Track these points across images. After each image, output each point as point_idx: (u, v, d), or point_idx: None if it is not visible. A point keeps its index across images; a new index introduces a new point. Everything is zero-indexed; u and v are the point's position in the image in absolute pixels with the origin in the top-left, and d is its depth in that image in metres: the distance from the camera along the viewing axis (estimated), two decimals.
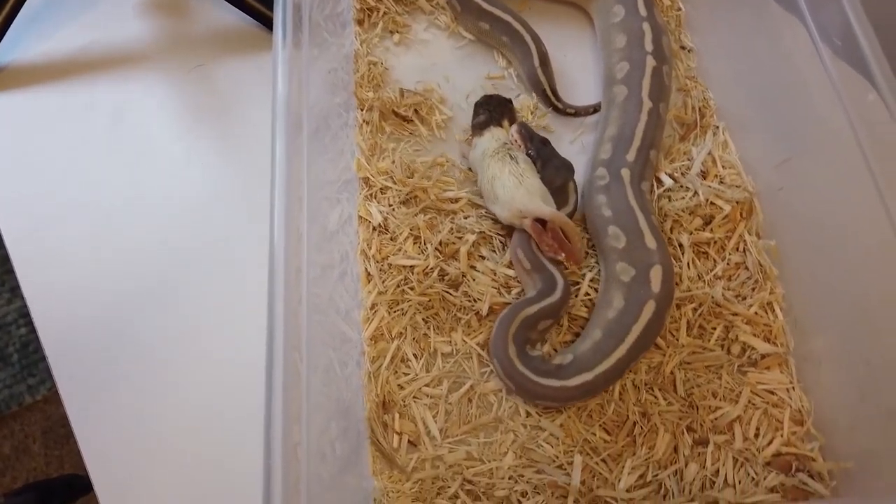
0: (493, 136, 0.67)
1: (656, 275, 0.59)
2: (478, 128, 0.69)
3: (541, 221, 0.62)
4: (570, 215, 0.67)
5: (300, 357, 0.47)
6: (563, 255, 0.62)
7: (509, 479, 0.57)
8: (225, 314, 0.65)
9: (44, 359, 1.40)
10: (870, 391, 0.55)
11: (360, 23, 0.80)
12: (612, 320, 0.59)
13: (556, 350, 0.62)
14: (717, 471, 0.57)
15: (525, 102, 0.75)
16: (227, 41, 0.81)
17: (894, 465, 0.52)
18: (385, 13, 0.80)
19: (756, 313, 0.63)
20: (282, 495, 0.42)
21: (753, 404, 0.60)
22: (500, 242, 0.67)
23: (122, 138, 0.75)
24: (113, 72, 0.79)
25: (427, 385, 0.61)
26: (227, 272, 0.68)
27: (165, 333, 0.65)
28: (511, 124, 0.70)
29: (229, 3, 0.80)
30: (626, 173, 0.64)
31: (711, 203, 0.66)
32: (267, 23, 0.80)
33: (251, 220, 0.70)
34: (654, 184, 0.67)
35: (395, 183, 0.68)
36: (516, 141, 0.67)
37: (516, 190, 0.62)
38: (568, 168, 0.67)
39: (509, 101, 0.71)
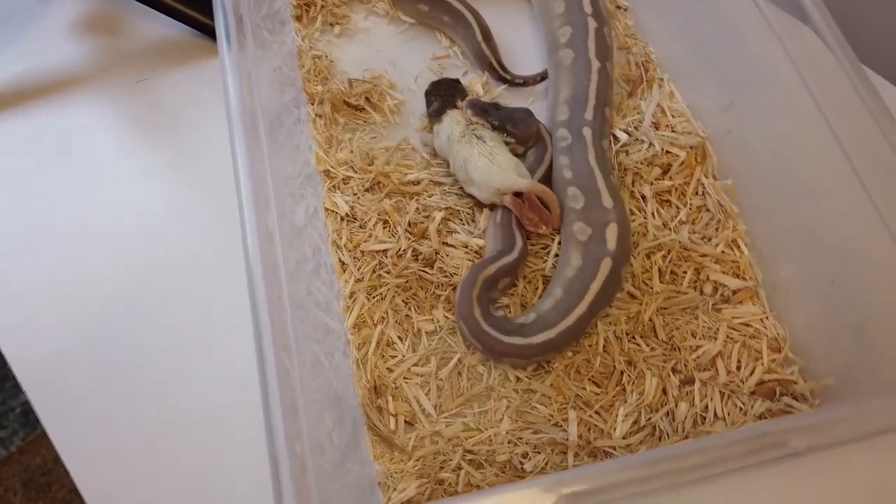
0: (453, 119, 0.68)
1: (612, 233, 0.61)
2: (434, 115, 0.70)
3: (518, 194, 0.63)
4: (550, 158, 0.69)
5: (290, 354, 0.47)
6: (544, 227, 0.63)
7: (508, 443, 0.58)
8: (203, 323, 0.65)
9: (12, 409, 1.37)
10: (839, 308, 0.58)
11: (298, 19, 0.80)
12: (571, 279, 0.61)
13: (524, 308, 0.63)
14: (706, 406, 0.59)
15: (473, 80, 0.75)
16: (165, 53, 0.80)
17: (870, 375, 0.54)
18: (322, 6, 0.80)
19: (722, 252, 0.65)
20: (294, 495, 0.42)
21: (731, 338, 0.62)
22: (468, 215, 0.67)
23: (72, 163, 0.74)
24: (53, 97, 0.78)
25: (415, 365, 0.61)
26: (199, 281, 0.67)
27: (145, 352, 0.64)
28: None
29: (163, 13, 0.79)
30: (587, 132, 0.65)
31: (667, 152, 0.68)
32: (204, 30, 0.80)
33: (217, 227, 0.69)
34: (612, 140, 0.69)
35: (356, 172, 0.69)
36: (475, 119, 0.68)
37: (489, 169, 0.63)
38: (529, 113, 0.69)
39: (457, 81, 0.72)
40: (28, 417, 1.37)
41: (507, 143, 0.68)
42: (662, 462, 0.41)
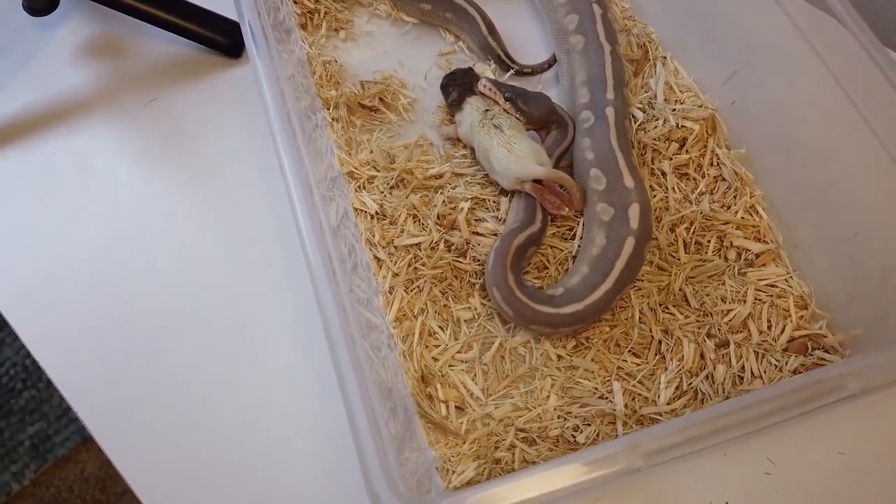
0: (473, 107, 0.70)
1: (634, 212, 0.63)
2: (455, 105, 0.72)
3: (539, 181, 0.65)
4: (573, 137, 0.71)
5: (356, 349, 0.48)
6: (567, 209, 0.65)
7: (558, 418, 0.59)
8: (240, 334, 0.66)
9: (21, 443, 1.36)
10: (861, 260, 0.60)
11: (303, 27, 0.81)
12: (596, 257, 0.63)
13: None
14: (743, 367, 0.61)
15: (482, 71, 0.77)
16: (173, 71, 0.81)
17: None
18: (326, 13, 0.82)
19: (742, 218, 0.67)
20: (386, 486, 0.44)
21: (759, 300, 0.64)
22: (493, 203, 0.69)
23: (90, 189, 0.74)
24: (65, 124, 0.78)
25: (459, 352, 0.63)
26: (230, 292, 0.68)
27: (186, 365, 0.64)
28: None
29: (167, 31, 0.80)
30: (610, 112, 0.67)
31: (681, 126, 0.70)
32: (209, 44, 0.81)
33: (244, 237, 0.70)
34: (631, 120, 0.71)
35: (379, 171, 0.70)
36: (490, 92, 0.69)
37: (509, 159, 0.65)
38: (544, 96, 0.71)
39: (470, 69, 0.74)
40: (38, 449, 1.37)
41: (518, 119, 0.70)
42: (728, 415, 0.43)
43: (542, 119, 0.71)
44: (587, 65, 0.71)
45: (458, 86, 0.72)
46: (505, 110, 0.70)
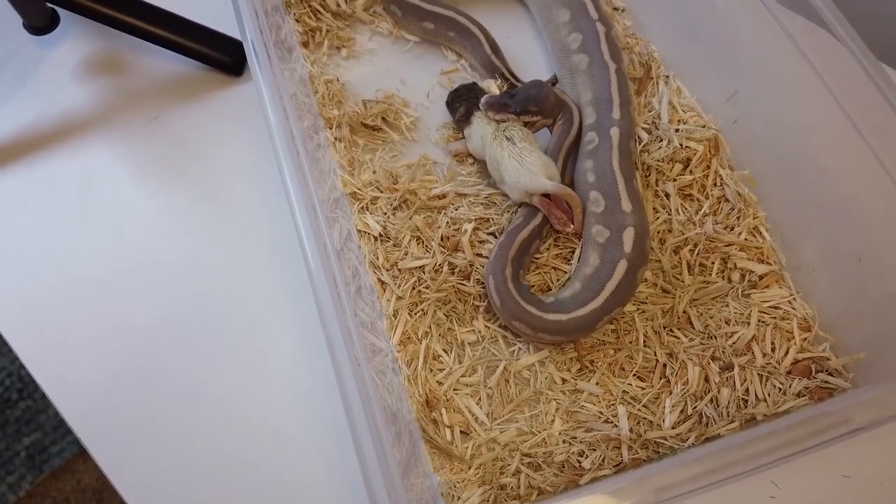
0: (482, 120, 0.70)
1: (629, 236, 0.63)
2: (463, 121, 0.72)
3: (547, 195, 0.66)
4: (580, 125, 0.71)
5: (362, 373, 0.48)
6: (572, 226, 0.65)
7: (563, 443, 0.59)
8: (249, 349, 0.66)
9: (17, 454, 1.36)
10: (866, 283, 0.60)
11: (305, 45, 0.81)
12: (589, 276, 0.63)
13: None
14: (747, 390, 0.61)
15: (489, 87, 0.77)
16: (175, 88, 0.81)
17: None
18: (328, 31, 0.81)
19: (746, 239, 0.67)
20: None
21: (763, 322, 0.64)
22: (497, 224, 0.69)
23: (94, 207, 0.74)
24: (67, 142, 0.78)
25: (463, 376, 0.63)
26: (236, 310, 0.68)
27: (192, 387, 0.65)
28: None
29: (171, 50, 0.79)
30: (615, 132, 0.67)
31: (685, 147, 0.70)
32: (210, 62, 0.80)
33: (249, 254, 0.70)
34: (636, 140, 0.71)
35: (382, 192, 0.70)
36: (500, 116, 0.69)
37: (519, 171, 0.66)
38: (540, 84, 0.72)
39: (474, 84, 0.74)
40: (34, 460, 1.36)
41: (534, 122, 0.71)
42: (729, 451, 0.43)
43: (555, 110, 0.71)
44: (592, 84, 0.71)
45: (465, 101, 0.72)
46: (525, 123, 0.71)
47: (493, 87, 0.75)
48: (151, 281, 0.70)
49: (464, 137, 0.74)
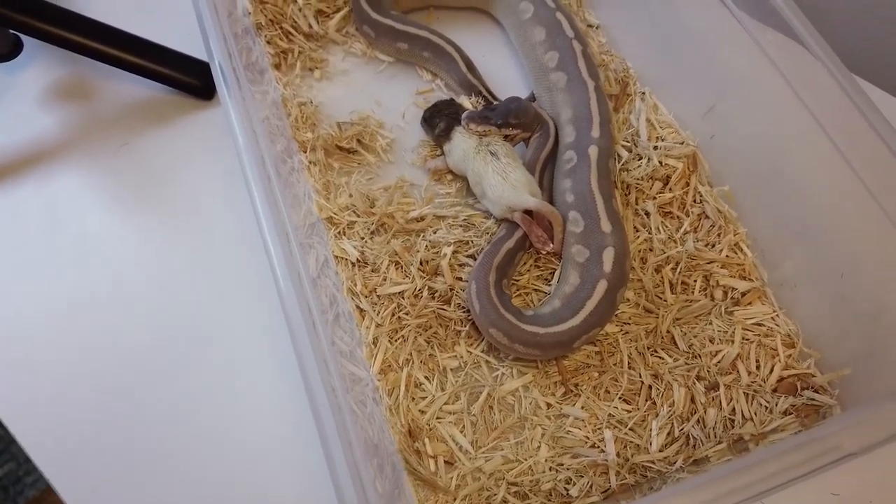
0: (463, 135, 0.70)
1: (608, 256, 0.62)
2: (443, 136, 0.71)
3: (529, 211, 0.65)
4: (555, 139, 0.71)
5: (340, 405, 0.47)
6: (552, 245, 0.65)
7: (550, 470, 0.58)
8: (224, 381, 0.64)
9: None
10: (849, 298, 0.60)
11: (277, 67, 0.80)
12: (569, 294, 0.63)
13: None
14: (734, 409, 0.61)
15: (463, 104, 0.76)
16: (144, 114, 0.79)
17: (889, 363, 0.57)
18: (300, 52, 0.80)
19: (727, 256, 0.67)
20: None
21: (747, 339, 0.64)
22: (476, 246, 0.68)
23: (62, 236, 0.72)
24: (36, 170, 0.76)
25: (446, 403, 0.61)
26: (210, 336, 0.66)
27: (164, 417, 0.62)
28: None
29: (138, 75, 0.78)
30: (593, 151, 0.67)
31: (664, 164, 0.69)
32: (178, 86, 0.79)
33: (222, 279, 0.69)
34: (616, 159, 0.70)
35: (359, 216, 0.68)
36: (482, 130, 0.69)
37: (502, 187, 0.65)
38: (518, 99, 0.71)
39: (452, 100, 0.74)
40: (8, 492, 1.33)
41: (514, 136, 0.70)
42: (720, 482, 0.42)
43: (535, 122, 0.71)
44: (572, 102, 0.71)
45: (445, 116, 0.71)
46: (505, 136, 0.70)
47: (466, 103, 0.74)
48: (121, 311, 0.68)
49: (443, 154, 0.73)
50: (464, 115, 0.70)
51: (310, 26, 0.81)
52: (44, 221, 0.72)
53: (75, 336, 0.67)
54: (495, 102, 0.76)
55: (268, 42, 0.79)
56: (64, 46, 0.75)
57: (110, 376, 0.64)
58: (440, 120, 0.71)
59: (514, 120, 0.69)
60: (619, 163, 0.70)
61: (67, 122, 0.78)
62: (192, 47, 0.78)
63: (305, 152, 0.73)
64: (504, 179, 0.65)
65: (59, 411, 0.63)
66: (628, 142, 0.72)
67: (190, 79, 0.78)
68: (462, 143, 0.70)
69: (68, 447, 0.61)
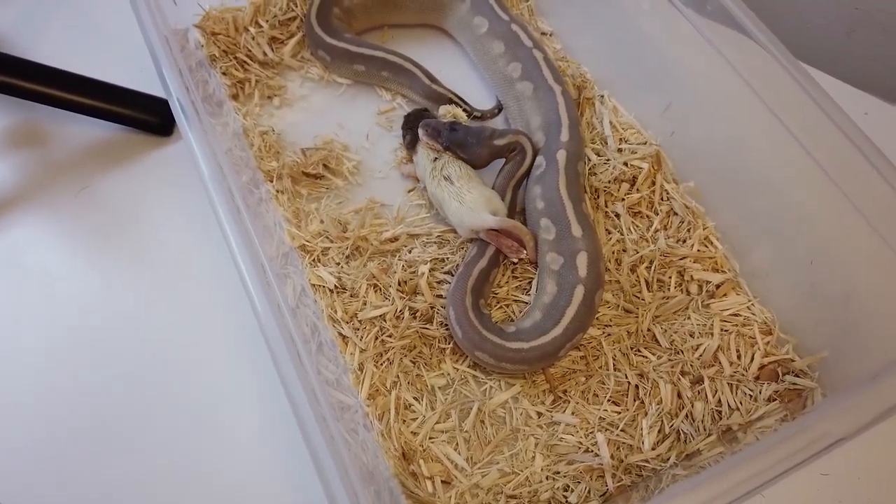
0: (424, 151, 0.70)
1: (582, 261, 0.63)
2: (410, 148, 0.72)
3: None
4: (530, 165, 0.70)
5: (333, 435, 0.46)
6: (525, 252, 0.65)
7: (547, 479, 0.58)
8: (209, 421, 0.63)
9: None
10: (819, 285, 0.61)
11: (235, 97, 0.79)
12: (549, 304, 0.63)
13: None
14: (720, 401, 0.62)
15: (447, 112, 0.75)
16: (103, 155, 0.78)
17: (862, 342, 0.58)
18: (257, 81, 0.80)
19: (698, 250, 0.68)
20: None
21: (726, 330, 0.65)
22: (452, 262, 0.68)
23: (25, 287, 0.70)
24: None
25: (438, 422, 0.61)
26: (193, 382, 0.65)
27: (134, 454, 0.61)
28: None
29: (92, 116, 0.76)
30: (561, 155, 0.67)
31: (630, 164, 0.70)
32: (137, 125, 0.78)
33: (203, 321, 0.67)
34: (586, 162, 0.71)
35: (332, 241, 0.68)
36: (430, 141, 0.68)
37: (461, 211, 0.65)
38: (480, 130, 0.69)
39: (425, 110, 0.74)
40: None
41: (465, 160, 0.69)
42: (714, 481, 0.43)
43: (486, 161, 0.70)
44: (541, 109, 0.71)
45: (411, 129, 0.71)
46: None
47: (459, 113, 0.73)
48: (95, 360, 0.66)
49: (414, 162, 0.73)
50: (421, 123, 0.70)
51: (264, 54, 0.80)
52: (5, 273, 0.71)
53: (43, 389, 0.65)
54: (475, 113, 0.76)
55: (223, 73, 0.79)
56: (13, 94, 0.73)
57: (86, 425, 0.63)
58: (406, 132, 0.72)
59: (460, 153, 0.68)
60: (587, 165, 0.71)
61: (24, 170, 0.77)
62: (146, 84, 0.77)
63: (272, 181, 0.72)
64: (461, 204, 0.65)
65: (23, 449, 0.61)
66: (596, 143, 0.73)
67: (147, 116, 0.77)
68: (423, 161, 0.70)
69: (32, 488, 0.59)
